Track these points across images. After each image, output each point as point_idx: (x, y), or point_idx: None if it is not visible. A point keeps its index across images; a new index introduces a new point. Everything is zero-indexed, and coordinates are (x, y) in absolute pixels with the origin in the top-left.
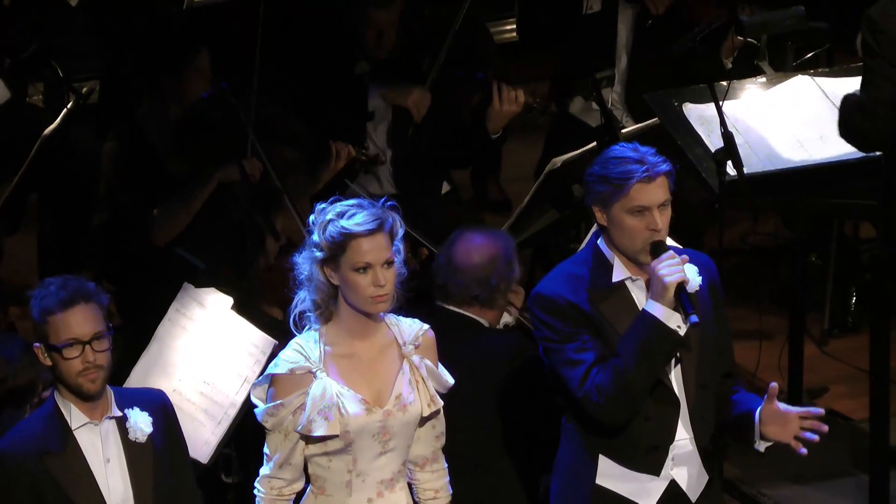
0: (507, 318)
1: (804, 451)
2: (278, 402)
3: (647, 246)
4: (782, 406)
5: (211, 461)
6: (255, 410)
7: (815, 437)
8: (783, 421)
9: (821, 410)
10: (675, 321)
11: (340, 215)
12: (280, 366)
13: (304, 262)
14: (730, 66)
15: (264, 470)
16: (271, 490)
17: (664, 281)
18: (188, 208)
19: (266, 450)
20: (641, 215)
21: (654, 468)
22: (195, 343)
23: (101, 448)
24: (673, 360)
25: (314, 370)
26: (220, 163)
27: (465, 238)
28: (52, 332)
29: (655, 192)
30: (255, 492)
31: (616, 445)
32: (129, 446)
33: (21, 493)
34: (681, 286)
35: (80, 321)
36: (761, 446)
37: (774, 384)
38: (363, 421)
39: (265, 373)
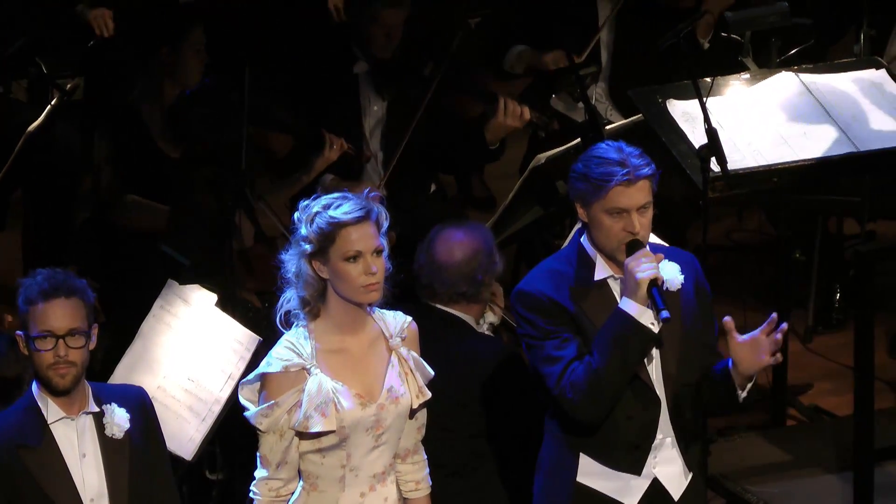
0: (491, 318)
1: (779, 357)
2: (272, 402)
3: (623, 245)
4: (744, 336)
5: (195, 458)
6: (247, 414)
7: (779, 337)
8: (752, 348)
9: (773, 316)
10: (648, 318)
11: (327, 207)
12: (273, 364)
13: (292, 259)
14: (707, 45)
15: (260, 472)
16: (269, 492)
17: (636, 277)
18: (155, 217)
19: (260, 452)
20: (619, 216)
21: (635, 467)
22: (179, 340)
23: (77, 443)
24: (655, 359)
25: (308, 366)
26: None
27: (444, 235)
28: (30, 321)
29: (635, 196)
30: (252, 495)
31: (597, 443)
32: (106, 442)
33: None
34: (654, 283)
35: (59, 315)
36: (744, 391)
37: (727, 318)
38: (358, 415)
39: (257, 372)
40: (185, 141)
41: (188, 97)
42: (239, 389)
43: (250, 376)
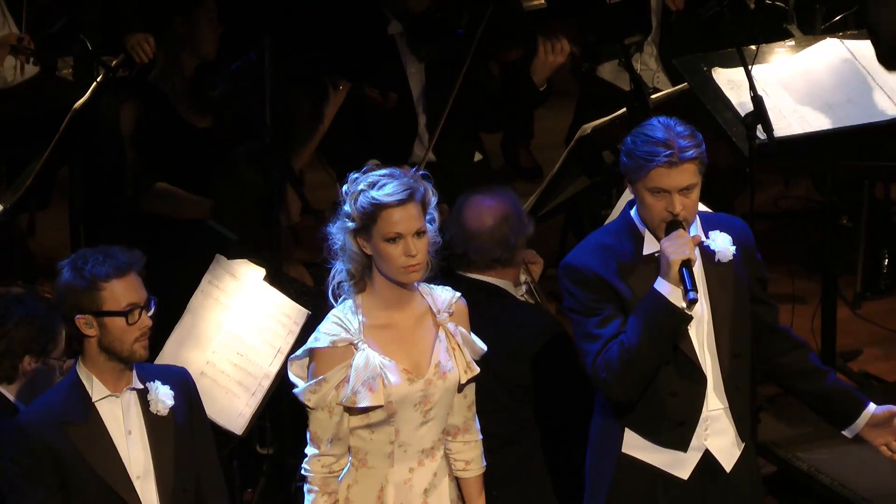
0: (525, 278)
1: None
2: (320, 377)
3: (664, 224)
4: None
5: (245, 433)
6: (295, 391)
7: None
8: (889, 430)
9: None
10: (680, 298)
11: (371, 185)
12: (321, 339)
13: (338, 233)
14: (752, 6)
15: (311, 450)
16: (322, 468)
17: (668, 258)
18: (183, 208)
19: (310, 429)
20: (661, 196)
21: (681, 443)
22: (228, 315)
23: (123, 420)
24: (704, 334)
25: (356, 342)
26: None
27: (472, 203)
28: (108, 298)
29: (677, 178)
30: (304, 472)
31: (641, 419)
32: (151, 419)
33: (44, 461)
34: (686, 263)
35: (137, 287)
36: (850, 433)
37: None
38: (405, 391)
39: (305, 347)
40: (213, 110)
41: (234, 71)
42: (288, 366)
43: (298, 352)
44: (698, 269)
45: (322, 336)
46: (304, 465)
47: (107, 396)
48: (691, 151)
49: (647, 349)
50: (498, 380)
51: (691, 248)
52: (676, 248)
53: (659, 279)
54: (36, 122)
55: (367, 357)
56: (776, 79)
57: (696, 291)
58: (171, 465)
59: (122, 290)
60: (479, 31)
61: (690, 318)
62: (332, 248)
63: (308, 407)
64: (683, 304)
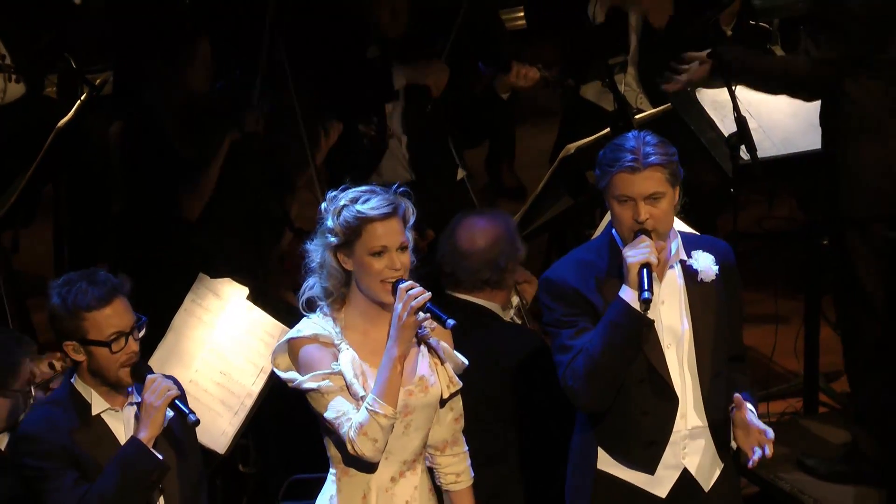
0: (516, 301)
1: (751, 463)
2: (333, 370)
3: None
4: (748, 417)
5: (228, 452)
6: (300, 380)
7: (759, 456)
8: (746, 430)
9: (771, 436)
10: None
11: (354, 200)
12: (304, 330)
13: (317, 249)
14: (730, 33)
15: (343, 427)
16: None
17: (627, 262)
18: (208, 177)
19: (328, 415)
20: (626, 204)
21: (650, 463)
22: (211, 333)
23: (124, 433)
24: (680, 354)
25: (337, 342)
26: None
27: (466, 223)
28: (92, 327)
29: (640, 184)
30: (352, 434)
31: (614, 438)
32: None
33: (63, 458)
34: (646, 266)
35: (122, 313)
36: (733, 444)
37: (737, 395)
38: None
39: (284, 339)
40: (198, 142)
41: (220, 90)
42: (273, 361)
43: (277, 346)
44: (681, 289)
45: (304, 327)
46: (349, 437)
47: (107, 410)
48: (654, 157)
49: (609, 355)
50: (483, 399)
51: (653, 251)
52: (636, 251)
53: (622, 286)
54: (20, 139)
55: (353, 357)
56: (760, 99)
57: (652, 293)
58: (175, 477)
59: (105, 319)
60: (458, 50)
61: (651, 321)
62: (310, 265)
63: (318, 392)
64: (644, 311)
